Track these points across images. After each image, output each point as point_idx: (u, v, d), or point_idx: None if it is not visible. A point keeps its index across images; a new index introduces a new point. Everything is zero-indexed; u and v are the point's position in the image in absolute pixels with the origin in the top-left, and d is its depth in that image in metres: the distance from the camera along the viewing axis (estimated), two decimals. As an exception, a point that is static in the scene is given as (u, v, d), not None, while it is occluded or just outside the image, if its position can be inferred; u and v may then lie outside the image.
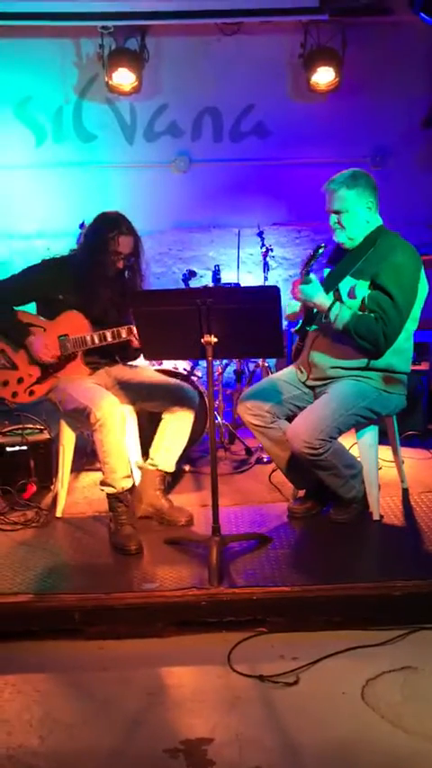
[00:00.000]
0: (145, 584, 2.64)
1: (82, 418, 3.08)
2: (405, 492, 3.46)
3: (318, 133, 5.48)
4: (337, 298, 3.01)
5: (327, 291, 3.02)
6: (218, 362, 4.47)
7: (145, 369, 3.50)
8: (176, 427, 3.28)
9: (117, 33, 5.20)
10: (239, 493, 3.61)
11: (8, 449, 3.63)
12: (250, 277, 5.42)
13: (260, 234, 4.69)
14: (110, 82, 5.19)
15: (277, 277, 5.60)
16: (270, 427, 3.09)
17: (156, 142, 5.60)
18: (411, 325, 3.00)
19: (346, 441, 3.12)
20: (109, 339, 3.19)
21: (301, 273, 2.95)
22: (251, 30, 5.32)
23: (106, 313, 3.24)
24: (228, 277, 4.98)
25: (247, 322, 2.72)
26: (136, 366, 3.48)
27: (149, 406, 3.39)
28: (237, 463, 4.14)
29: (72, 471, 3.46)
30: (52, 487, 3.60)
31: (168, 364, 4.06)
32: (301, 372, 3.15)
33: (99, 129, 5.58)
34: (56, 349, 3.21)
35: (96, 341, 3.20)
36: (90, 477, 3.85)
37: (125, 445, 3.13)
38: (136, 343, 3.15)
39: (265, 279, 4.63)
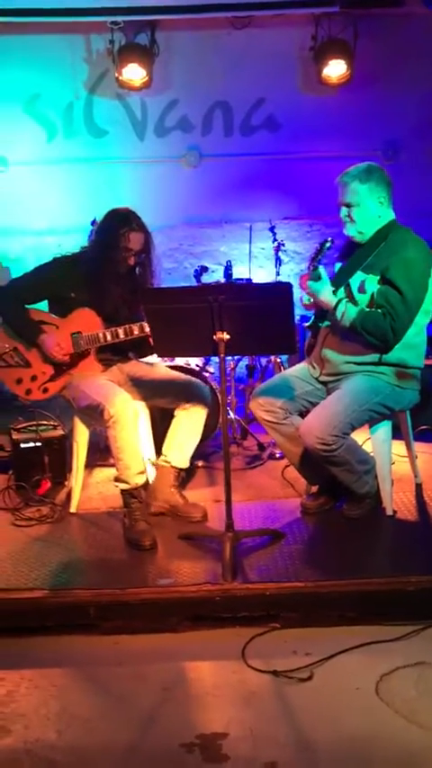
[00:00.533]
0: (159, 579, 2.66)
1: (95, 415, 3.10)
2: (418, 487, 3.46)
3: (329, 126, 5.46)
4: (348, 293, 3.00)
5: (337, 286, 3.02)
6: (230, 358, 4.47)
7: (157, 365, 3.51)
8: (189, 424, 3.29)
9: (127, 28, 5.19)
10: (252, 488, 3.62)
11: (22, 445, 3.66)
12: (262, 272, 5.41)
13: (272, 228, 4.68)
14: (120, 77, 5.19)
15: (289, 271, 5.60)
16: (283, 423, 3.10)
17: (166, 137, 5.60)
18: (422, 319, 2.99)
19: (360, 436, 3.12)
20: (121, 336, 3.20)
21: (309, 268, 2.95)
22: (262, 23, 5.29)
23: (118, 310, 3.25)
24: (239, 272, 4.98)
25: (260, 319, 2.71)
26: (148, 363, 3.49)
27: (162, 402, 3.40)
28: (249, 459, 4.15)
29: (86, 467, 3.48)
30: (66, 483, 3.62)
31: (180, 360, 4.07)
32: (314, 368, 3.15)
33: (109, 125, 5.58)
34: (68, 346, 3.23)
35: (109, 338, 3.21)
36: (104, 473, 3.87)
37: (138, 441, 3.14)
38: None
39: (277, 273, 4.62)
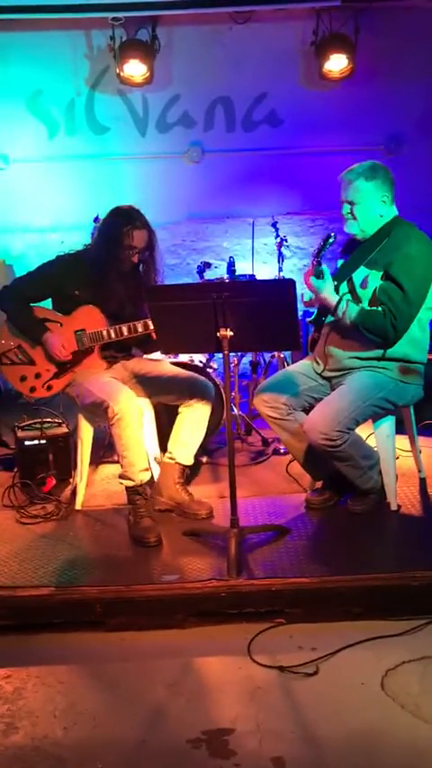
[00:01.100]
0: (165, 575, 2.67)
1: (99, 412, 3.11)
2: (423, 481, 3.46)
3: (331, 121, 5.45)
4: (351, 288, 3.00)
5: (340, 281, 3.02)
6: (234, 354, 4.47)
7: (161, 362, 3.52)
8: (194, 420, 3.30)
9: (128, 24, 5.18)
10: (257, 484, 3.63)
11: (27, 443, 3.66)
12: (265, 267, 5.41)
13: (274, 224, 4.67)
14: (121, 73, 5.19)
15: (292, 267, 5.59)
16: (286, 419, 3.10)
17: (168, 133, 5.60)
18: (426, 314, 2.98)
19: (363, 431, 3.12)
20: (125, 333, 3.21)
21: (312, 264, 2.94)
22: (263, 18, 5.28)
23: (122, 307, 3.26)
24: (242, 267, 4.97)
25: (263, 315, 2.72)
26: (152, 359, 3.49)
27: (166, 399, 3.41)
28: (254, 454, 4.15)
29: (90, 464, 3.49)
30: (71, 480, 3.63)
31: (184, 357, 4.07)
32: (318, 364, 3.16)
33: (111, 121, 5.58)
34: (72, 344, 3.23)
35: (113, 335, 3.22)
36: (108, 470, 3.88)
37: (143, 438, 3.15)
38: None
39: (280, 269, 4.62)
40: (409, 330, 2.92)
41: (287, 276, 4.53)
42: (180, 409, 3.31)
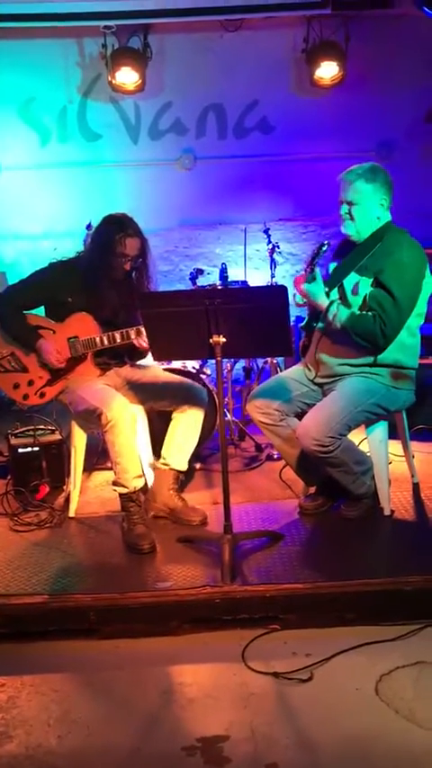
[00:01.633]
0: (159, 582, 2.67)
1: (93, 419, 3.11)
2: (416, 486, 3.47)
3: (322, 127, 5.47)
4: (342, 294, 3.02)
5: (331, 287, 3.03)
6: (227, 360, 4.48)
7: (154, 368, 3.52)
8: (187, 426, 3.30)
9: (119, 32, 5.20)
10: (250, 490, 3.63)
11: (20, 450, 3.66)
12: (257, 273, 5.42)
13: (266, 231, 4.69)
14: (113, 81, 5.20)
15: (284, 273, 5.61)
16: (279, 425, 3.11)
17: (160, 140, 5.61)
18: (416, 321, 3.00)
19: (356, 436, 3.13)
20: (118, 340, 3.21)
21: (306, 271, 2.95)
22: (254, 26, 5.31)
23: (115, 314, 3.26)
24: (235, 274, 4.98)
25: (256, 322, 2.73)
26: (145, 366, 3.50)
27: (159, 405, 3.41)
28: (247, 460, 4.16)
29: (84, 471, 3.48)
30: (65, 488, 3.62)
31: (177, 363, 4.08)
32: (309, 370, 3.17)
33: (103, 129, 5.59)
34: (65, 351, 3.23)
35: (106, 342, 3.22)
36: (102, 476, 3.88)
37: (136, 445, 3.15)
38: (141, 346, 3.17)
39: (272, 275, 4.63)
40: (400, 336, 2.93)
41: (279, 282, 4.55)
42: (173, 415, 3.31)
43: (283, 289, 2.66)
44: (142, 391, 3.37)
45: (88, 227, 3.76)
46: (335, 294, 3.03)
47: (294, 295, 3.06)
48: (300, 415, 3.10)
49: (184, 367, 4.07)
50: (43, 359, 3.22)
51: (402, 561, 2.76)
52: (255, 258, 5.49)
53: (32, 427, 3.77)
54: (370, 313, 2.88)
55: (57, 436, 3.76)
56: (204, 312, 2.67)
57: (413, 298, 2.92)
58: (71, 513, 3.36)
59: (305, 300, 3.06)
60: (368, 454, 3.15)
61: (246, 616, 2.54)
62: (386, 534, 3.03)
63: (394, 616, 2.50)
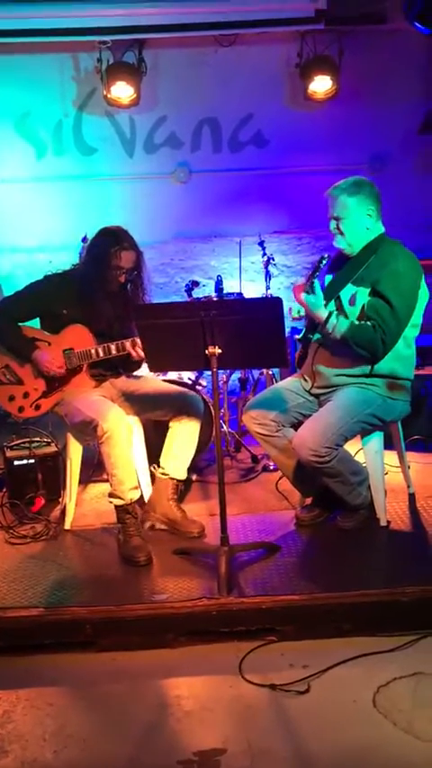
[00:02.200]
0: (155, 595, 2.66)
1: (89, 431, 3.10)
2: (411, 497, 3.47)
3: (316, 141, 5.51)
4: (339, 305, 3.03)
5: (328, 299, 3.05)
6: (222, 371, 4.48)
7: (149, 379, 3.52)
8: (184, 434, 3.30)
9: (114, 47, 5.23)
10: (247, 501, 3.63)
11: (16, 462, 3.65)
12: (252, 285, 5.44)
13: (261, 243, 4.71)
14: (108, 95, 5.23)
15: (279, 285, 5.63)
16: (275, 436, 3.11)
17: (155, 154, 5.64)
18: (412, 331, 3.01)
19: (352, 447, 3.13)
20: (114, 352, 3.21)
21: (305, 285, 2.96)
22: (248, 40, 5.35)
23: (110, 326, 3.27)
24: (230, 286, 5.00)
25: (251, 333, 2.74)
26: (140, 376, 3.50)
27: (155, 415, 3.41)
28: (243, 471, 4.15)
29: (80, 483, 3.47)
30: (60, 500, 3.61)
31: (173, 374, 4.08)
32: (306, 381, 3.17)
33: (99, 142, 5.62)
34: (61, 363, 3.24)
35: (101, 354, 3.22)
36: (98, 489, 3.87)
37: (132, 457, 3.15)
38: (137, 355, 3.18)
39: (267, 287, 4.65)
40: (396, 347, 2.94)
41: (274, 294, 4.56)
42: (170, 424, 3.31)
43: (278, 300, 2.67)
44: (138, 402, 3.37)
45: (84, 239, 3.77)
46: (332, 306, 3.04)
47: (290, 308, 3.07)
48: (296, 426, 3.10)
49: (180, 378, 4.08)
50: (40, 368, 3.22)
51: (399, 572, 2.75)
52: (250, 270, 5.51)
53: (28, 439, 3.77)
54: (369, 322, 2.89)
55: (52, 448, 3.75)
56: (200, 323, 2.68)
57: (410, 307, 2.94)
58: (67, 526, 3.35)
59: (302, 314, 3.08)
60: (364, 465, 3.15)
61: (242, 628, 2.53)
62: (382, 545, 3.03)
63: (391, 627, 2.50)
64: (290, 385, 3.23)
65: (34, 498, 3.56)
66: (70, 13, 4.90)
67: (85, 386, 3.29)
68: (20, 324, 3.31)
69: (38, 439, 3.81)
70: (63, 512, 3.42)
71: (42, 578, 2.85)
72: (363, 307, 2.94)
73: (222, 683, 2.32)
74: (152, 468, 3.42)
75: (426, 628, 2.48)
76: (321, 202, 3.10)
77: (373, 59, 5.35)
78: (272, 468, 4.03)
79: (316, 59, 5.19)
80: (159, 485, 3.30)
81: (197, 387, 4.08)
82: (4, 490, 3.68)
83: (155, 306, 3.23)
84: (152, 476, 3.44)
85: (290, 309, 3.06)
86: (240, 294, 4.79)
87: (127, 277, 3.26)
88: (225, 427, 4.40)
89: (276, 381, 4.17)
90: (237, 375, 4.74)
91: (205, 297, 4.39)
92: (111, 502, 3.11)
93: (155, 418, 3.45)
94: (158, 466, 3.33)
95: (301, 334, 3.18)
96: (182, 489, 3.42)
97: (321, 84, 5.20)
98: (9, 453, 3.70)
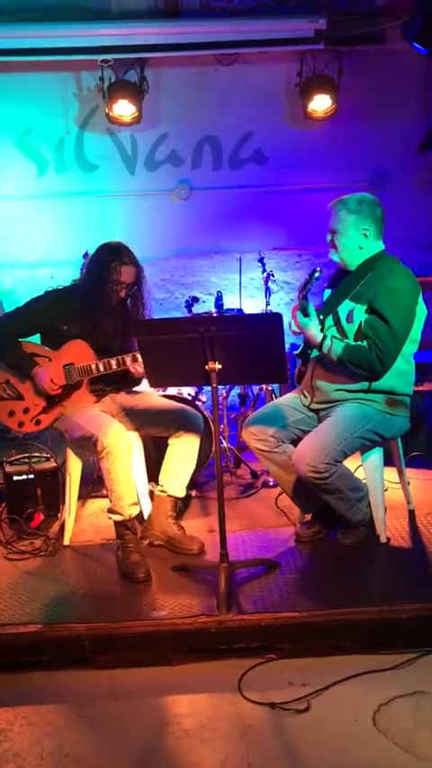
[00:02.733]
0: (154, 611, 2.64)
1: (89, 446, 3.10)
2: (411, 513, 3.46)
3: (316, 159, 5.57)
4: (336, 321, 3.04)
5: (326, 314, 3.06)
6: (222, 387, 4.49)
7: (149, 394, 3.53)
8: (183, 452, 3.29)
9: (116, 66, 5.30)
10: (246, 517, 3.62)
11: (15, 477, 3.64)
12: (252, 302, 5.46)
13: (261, 260, 4.73)
14: (110, 113, 5.29)
15: (279, 301, 5.66)
16: (275, 452, 3.11)
17: (156, 171, 5.69)
18: (410, 347, 3.02)
19: (352, 463, 3.13)
20: (114, 367, 3.22)
21: (299, 298, 2.98)
22: (248, 59, 5.42)
23: (110, 341, 3.28)
24: (230, 302, 5.02)
25: (251, 349, 2.74)
26: (140, 392, 3.50)
27: (155, 431, 3.41)
28: (243, 487, 4.15)
29: (79, 499, 3.46)
30: (59, 516, 3.61)
31: (172, 389, 4.09)
32: (305, 396, 3.18)
33: (100, 160, 5.67)
34: (61, 378, 3.24)
35: (102, 369, 3.23)
36: (97, 504, 3.86)
37: (132, 472, 3.14)
38: (136, 372, 3.18)
39: (267, 303, 4.67)
40: (395, 363, 2.94)
41: (274, 310, 4.58)
42: (170, 441, 3.31)
43: (278, 316, 2.68)
44: (138, 417, 3.37)
45: (85, 255, 3.79)
46: (329, 322, 3.05)
47: (290, 323, 3.08)
48: (295, 442, 3.10)
49: (180, 394, 4.08)
50: (38, 386, 3.23)
51: (399, 589, 2.74)
52: (250, 286, 5.54)
53: (27, 455, 3.76)
54: (365, 342, 2.89)
55: (52, 464, 3.74)
56: (200, 339, 2.68)
57: (407, 324, 2.94)
58: (66, 542, 3.34)
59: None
60: (364, 481, 3.14)
61: (242, 645, 2.51)
62: (382, 562, 3.02)
63: (391, 645, 2.48)
64: (289, 401, 3.23)
65: (33, 514, 3.55)
66: (73, 33, 4.98)
67: (86, 401, 3.29)
68: (20, 339, 3.32)
69: (37, 454, 3.80)
70: (62, 527, 3.41)
71: (41, 594, 2.83)
72: (360, 324, 2.95)
73: (222, 702, 2.30)
74: (151, 486, 3.42)
75: (426, 645, 2.47)
76: (321, 220, 3.13)
77: (373, 79, 5.43)
78: (271, 484, 4.03)
79: (315, 78, 5.26)
80: (158, 502, 3.29)
81: (197, 402, 4.09)
82: (3, 505, 3.68)
83: (155, 321, 3.24)
84: (151, 492, 3.43)
85: (290, 324, 3.07)
86: (240, 310, 4.81)
87: (127, 292, 3.28)
88: (225, 443, 4.40)
89: (276, 397, 4.17)
90: (236, 391, 4.75)
91: (205, 312, 4.41)
92: (110, 518, 3.10)
93: (154, 434, 3.45)
94: (157, 484, 3.32)
95: (299, 350, 3.20)
96: (181, 506, 3.40)
97: (321, 103, 5.27)
98: (8, 468, 3.70)
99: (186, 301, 4.51)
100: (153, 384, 3.21)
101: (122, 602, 2.77)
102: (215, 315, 4.24)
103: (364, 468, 3.15)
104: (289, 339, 3.11)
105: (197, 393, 4.24)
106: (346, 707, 2.22)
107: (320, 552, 3.12)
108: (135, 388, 3.49)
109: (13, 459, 3.79)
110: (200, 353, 2.72)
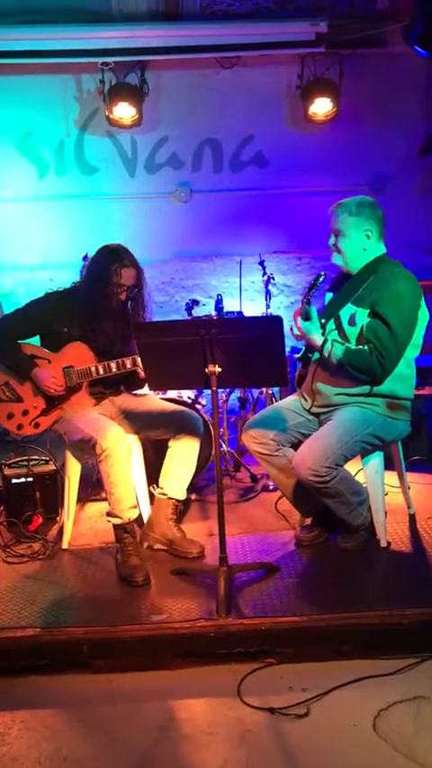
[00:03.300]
0: (153, 615, 2.63)
1: (88, 449, 3.09)
2: (412, 518, 3.45)
3: (316, 162, 5.57)
4: (338, 325, 3.03)
5: (328, 318, 3.05)
6: (222, 390, 4.48)
7: (149, 397, 3.52)
8: (183, 454, 3.28)
9: (117, 68, 5.31)
10: (246, 521, 3.60)
11: (14, 480, 3.63)
12: (252, 305, 5.46)
13: (261, 263, 4.73)
14: (111, 116, 5.29)
15: (279, 304, 5.65)
16: (275, 455, 3.10)
17: (157, 174, 5.69)
18: (412, 351, 3.01)
19: (352, 467, 3.12)
20: (114, 370, 3.21)
21: (302, 303, 2.98)
22: (249, 63, 5.43)
23: (110, 344, 3.27)
24: (230, 305, 5.01)
25: (251, 352, 2.73)
26: (140, 395, 3.49)
27: (154, 434, 3.40)
28: (243, 491, 4.13)
29: (78, 502, 3.45)
30: (58, 519, 3.59)
31: (172, 393, 4.08)
32: (306, 400, 3.17)
33: (101, 162, 5.67)
34: (61, 381, 3.23)
35: (101, 372, 3.22)
36: (96, 507, 3.84)
37: (131, 476, 3.13)
38: (142, 373, 3.18)
39: (267, 306, 4.66)
40: (396, 367, 2.93)
41: (274, 313, 4.57)
42: (170, 443, 3.30)
43: (278, 319, 2.67)
44: (137, 420, 3.36)
45: (85, 258, 3.79)
46: (331, 325, 3.04)
47: (291, 328, 3.08)
48: (296, 446, 3.09)
49: (180, 397, 4.07)
50: (40, 386, 3.21)
51: (399, 594, 2.73)
52: (250, 289, 5.53)
53: (26, 457, 3.75)
54: (365, 346, 2.89)
55: (51, 466, 3.73)
56: (200, 342, 2.67)
57: (410, 329, 2.93)
58: (64, 545, 3.32)
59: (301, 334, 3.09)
60: (364, 485, 3.13)
61: (241, 650, 2.50)
62: (383, 566, 3.00)
63: (392, 650, 2.47)
64: (289, 404, 3.22)
65: (32, 517, 3.54)
66: (73, 35, 4.98)
67: (85, 404, 3.28)
68: (20, 341, 3.31)
69: (36, 457, 3.79)
70: (61, 531, 3.40)
71: (39, 598, 2.82)
72: (362, 328, 2.94)
73: (221, 706, 2.28)
74: (151, 489, 3.41)
75: (427, 651, 2.46)
76: (321, 223, 3.12)
77: (373, 82, 5.43)
78: (271, 487, 4.01)
79: (316, 82, 5.26)
80: (158, 505, 3.28)
81: (197, 406, 4.08)
82: (2, 508, 3.66)
83: (155, 324, 3.23)
84: (151, 495, 3.42)
85: (290, 328, 3.06)
86: (240, 313, 4.80)
87: (127, 294, 3.27)
88: (225, 446, 4.39)
89: (276, 400, 4.16)
90: (236, 394, 4.74)
91: (205, 315, 4.40)
92: (109, 521, 3.08)
93: (154, 437, 3.44)
94: (157, 486, 3.31)
95: (300, 353, 3.19)
96: (181, 509, 3.39)
97: (322, 106, 5.27)
98: (7, 471, 3.69)
99: (186, 304, 4.50)
100: (153, 387, 3.21)
101: (121, 605, 2.75)
102: (215, 318, 4.24)
103: (365, 471, 3.14)
104: (289, 342, 3.11)
105: (197, 396, 4.23)
106: (345, 712, 2.21)
107: (320, 556, 3.10)
108: (135, 392, 3.48)
109: (11, 461, 3.78)
110: (200, 356, 2.71)
